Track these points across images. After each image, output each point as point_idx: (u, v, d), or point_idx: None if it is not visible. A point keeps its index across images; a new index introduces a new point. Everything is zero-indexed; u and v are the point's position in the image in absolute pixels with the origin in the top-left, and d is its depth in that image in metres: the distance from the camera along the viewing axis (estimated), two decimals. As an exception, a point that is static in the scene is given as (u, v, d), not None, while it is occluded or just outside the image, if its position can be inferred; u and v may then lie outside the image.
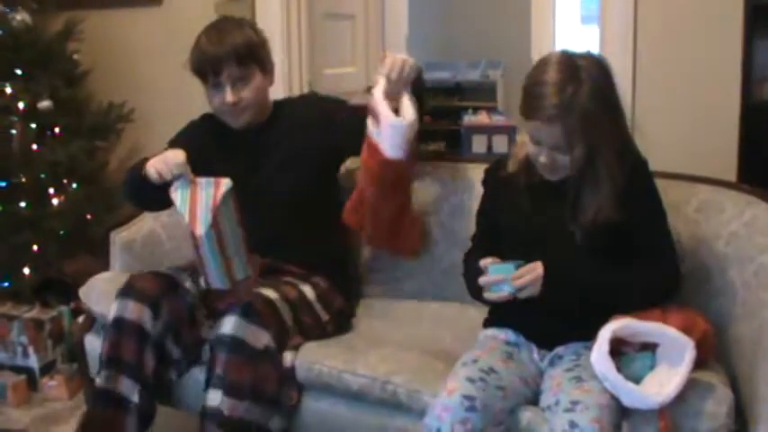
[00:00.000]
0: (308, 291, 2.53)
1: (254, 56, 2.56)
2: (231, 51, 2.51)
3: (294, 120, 2.69)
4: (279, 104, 2.77)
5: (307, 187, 2.64)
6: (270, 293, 2.39)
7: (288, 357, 2.36)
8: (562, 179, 2.17)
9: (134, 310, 2.38)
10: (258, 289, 2.40)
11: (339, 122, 2.65)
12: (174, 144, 2.63)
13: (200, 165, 2.40)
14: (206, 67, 2.53)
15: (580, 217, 2.13)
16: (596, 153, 2.08)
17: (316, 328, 2.50)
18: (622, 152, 2.13)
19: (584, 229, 2.13)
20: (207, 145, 2.67)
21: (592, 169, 2.11)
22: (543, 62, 2.10)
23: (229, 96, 2.54)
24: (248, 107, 2.58)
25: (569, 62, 2.05)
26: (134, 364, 2.38)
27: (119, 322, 2.39)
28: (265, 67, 2.62)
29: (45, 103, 3.59)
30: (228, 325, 2.25)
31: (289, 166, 2.63)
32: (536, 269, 2.09)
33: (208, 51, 2.52)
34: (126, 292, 2.42)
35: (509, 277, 2.09)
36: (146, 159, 2.44)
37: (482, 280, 2.15)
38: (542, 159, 2.12)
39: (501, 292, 2.11)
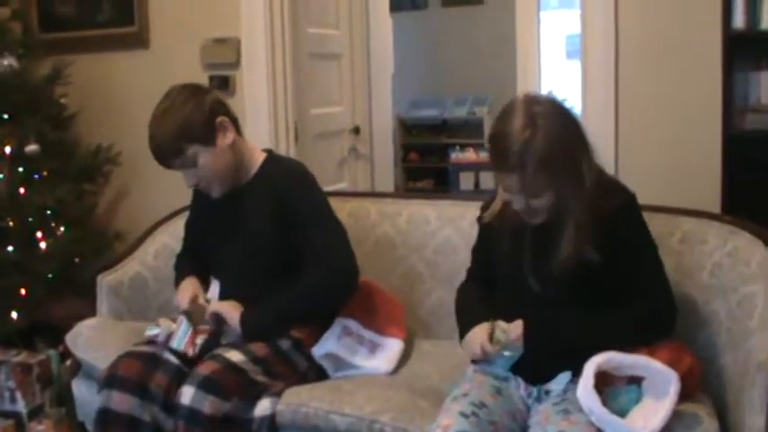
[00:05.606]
0: (283, 342, 2.51)
1: (190, 139, 2.44)
2: (165, 151, 2.44)
3: (267, 196, 2.57)
4: (266, 165, 2.64)
5: (277, 258, 2.57)
6: (235, 356, 2.37)
7: (266, 405, 2.35)
8: (543, 223, 2.16)
9: (121, 402, 2.33)
10: (226, 352, 2.38)
11: (300, 227, 2.54)
12: (188, 217, 2.84)
13: (199, 234, 2.74)
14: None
15: (553, 259, 2.11)
16: (565, 196, 2.08)
17: (292, 375, 2.48)
18: (598, 192, 2.11)
19: (559, 272, 2.11)
20: (199, 214, 2.76)
21: (565, 212, 2.10)
22: (507, 110, 2.08)
23: (186, 182, 2.54)
24: (212, 181, 2.53)
25: (527, 109, 2.03)
26: None
27: (106, 414, 2.34)
28: (210, 140, 2.47)
29: (32, 147, 3.60)
30: (187, 396, 2.25)
31: (256, 240, 2.57)
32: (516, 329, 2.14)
33: (150, 148, 2.46)
34: (110, 381, 2.36)
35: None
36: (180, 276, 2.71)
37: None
38: (517, 206, 2.12)
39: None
